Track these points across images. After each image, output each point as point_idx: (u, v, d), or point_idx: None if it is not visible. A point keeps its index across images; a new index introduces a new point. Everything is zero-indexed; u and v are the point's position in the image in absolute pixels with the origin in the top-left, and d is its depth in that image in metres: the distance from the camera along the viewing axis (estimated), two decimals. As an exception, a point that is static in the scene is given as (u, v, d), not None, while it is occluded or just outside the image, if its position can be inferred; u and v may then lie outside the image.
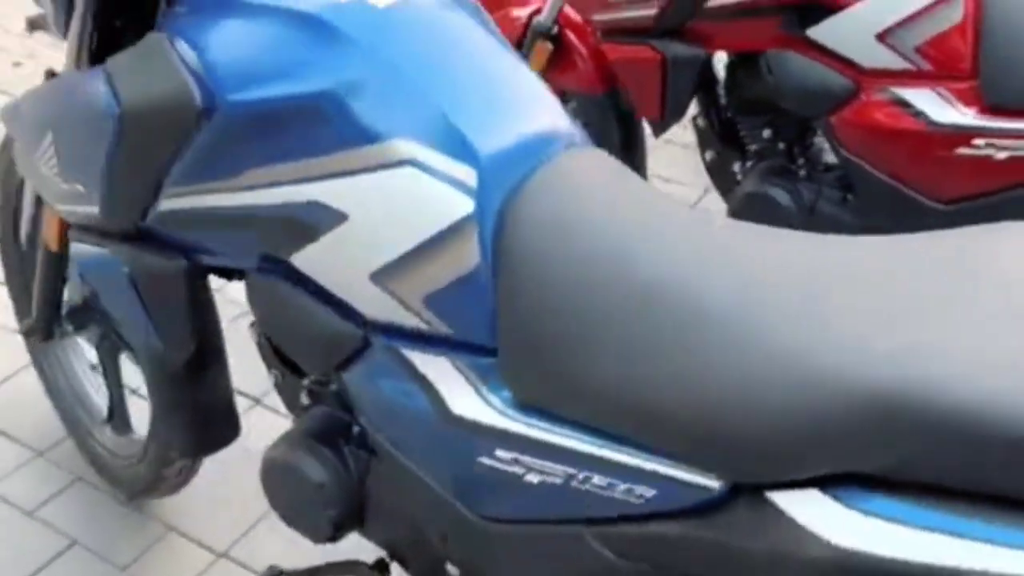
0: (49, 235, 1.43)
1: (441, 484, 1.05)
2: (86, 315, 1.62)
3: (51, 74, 1.29)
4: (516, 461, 0.96)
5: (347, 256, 1.00)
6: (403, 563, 1.25)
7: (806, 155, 1.79)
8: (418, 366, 1.01)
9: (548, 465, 0.94)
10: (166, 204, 1.09)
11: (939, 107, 1.56)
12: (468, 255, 0.95)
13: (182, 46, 1.03)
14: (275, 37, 1.00)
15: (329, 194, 0.98)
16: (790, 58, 1.66)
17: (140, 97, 1.01)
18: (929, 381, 0.71)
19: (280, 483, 1.23)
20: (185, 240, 1.14)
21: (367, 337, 1.05)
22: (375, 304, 1.01)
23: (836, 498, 0.76)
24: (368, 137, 0.95)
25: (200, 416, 1.43)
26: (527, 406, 0.95)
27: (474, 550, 1.09)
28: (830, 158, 1.77)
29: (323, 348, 1.08)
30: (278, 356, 1.30)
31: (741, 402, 0.81)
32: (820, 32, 1.59)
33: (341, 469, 1.18)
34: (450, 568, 1.16)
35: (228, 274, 1.24)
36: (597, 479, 0.91)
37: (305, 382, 1.25)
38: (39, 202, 1.53)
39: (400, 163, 0.95)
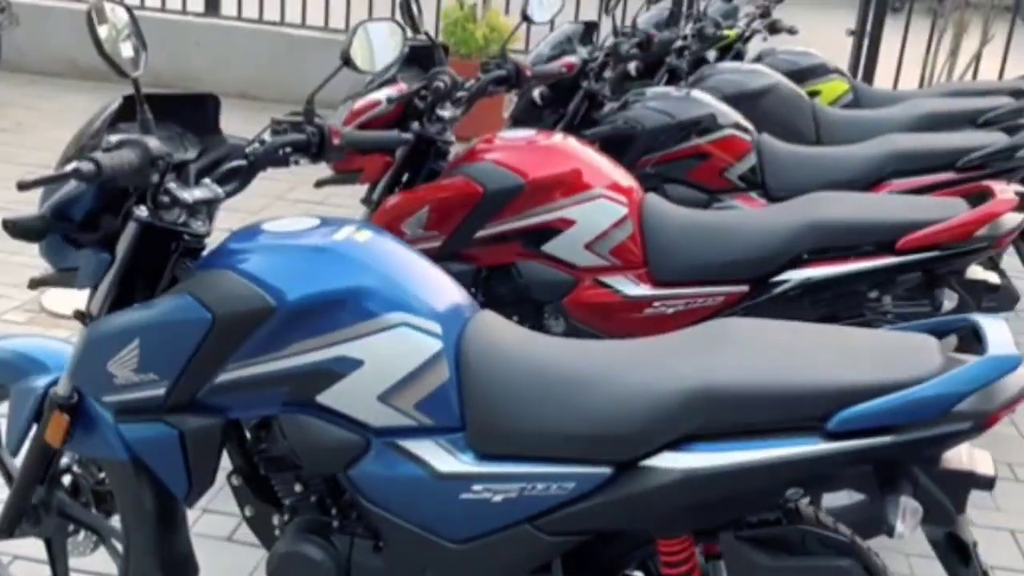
0: (55, 436, 1.88)
1: (425, 527, 1.68)
2: (45, 514, 2.03)
3: (80, 313, 1.82)
4: (486, 489, 1.63)
5: (362, 388, 1.66)
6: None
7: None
8: (411, 450, 1.66)
9: (506, 486, 1.62)
10: (222, 378, 1.68)
11: (632, 287, 2.50)
12: (441, 373, 1.65)
13: (232, 274, 1.67)
14: (305, 258, 1.68)
15: (352, 350, 1.64)
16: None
17: (227, 306, 1.63)
18: (712, 381, 1.52)
19: (286, 568, 1.78)
20: (223, 403, 1.72)
21: (369, 440, 1.69)
22: (380, 416, 1.67)
23: (677, 450, 1.53)
24: (376, 312, 1.65)
25: (176, 557, 1.93)
26: (488, 456, 1.64)
27: (449, 572, 1.72)
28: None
29: (336, 455, 1.70)
30: (254, 494, 1.88)
31: (615, 417, 1.56)
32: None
33: (332, 549, 1.78)
34: (422, 600, 1.76)
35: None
36: (539, 486, 1.61)
37: (275, 519, 1.84)
38: (39, 414, 1.95)
39: (396, 326, 1.65)
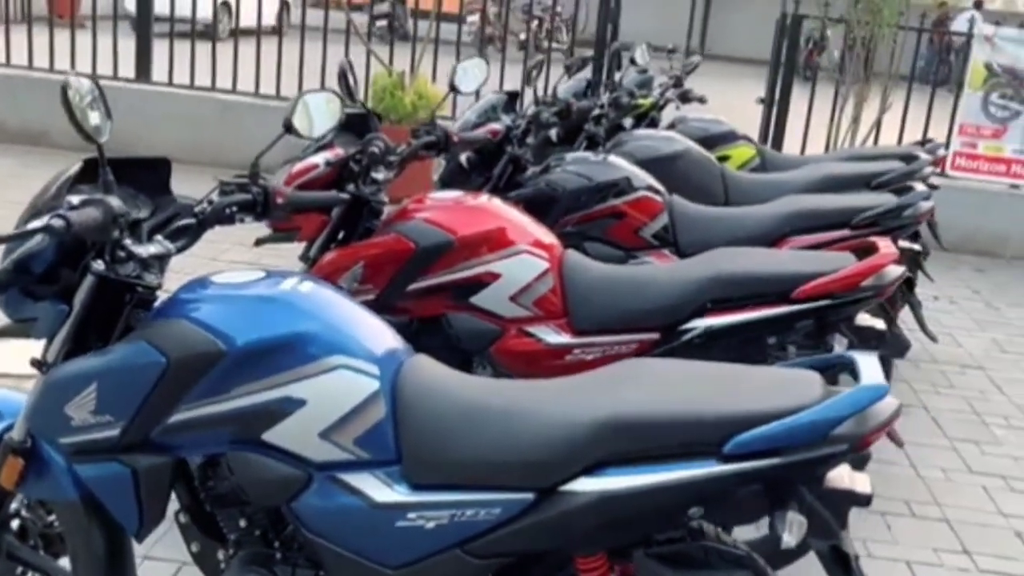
0: (8, 479, 1.98)
1: (363, 555, 1.82)
2: None
3: (36, 362, 1.94)
4: (420, 517, 1.78)
5: (305, 426, 1.80)
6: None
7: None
8: (350, 482, 1.81)
9: (438, 513, 1.77)
10: (175, 419, 1.81)
11: (554, 335, 2.69)
12: (378, 410, 1.81)
13: (184, 322, 1.82)
14: (252, 307, 1.83)
15: (296, 390, 1.79)
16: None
17: (180, 351, 1.77)
18: (621, 412, 1.70)
19: (232, 600, 1.91)
20: (175, 442, 1.85)
21: (311, 475, 1.83)
22: (321, 452, 1.81)
23: (592, 475, 1.69)
24: (318, 356, 1.80)
25: None
26: (421, 486, 1.79)
27: (386, 597, 1.86)
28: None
29: (280, 489, 1.83)
30: (201, 531, 2.00)
31: (535, 447, 1.73)
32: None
33: None
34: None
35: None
36: (467, 512, 1.77)
37: (221, 554, 1.97)
38: None
39: (336, 368, 1.81)
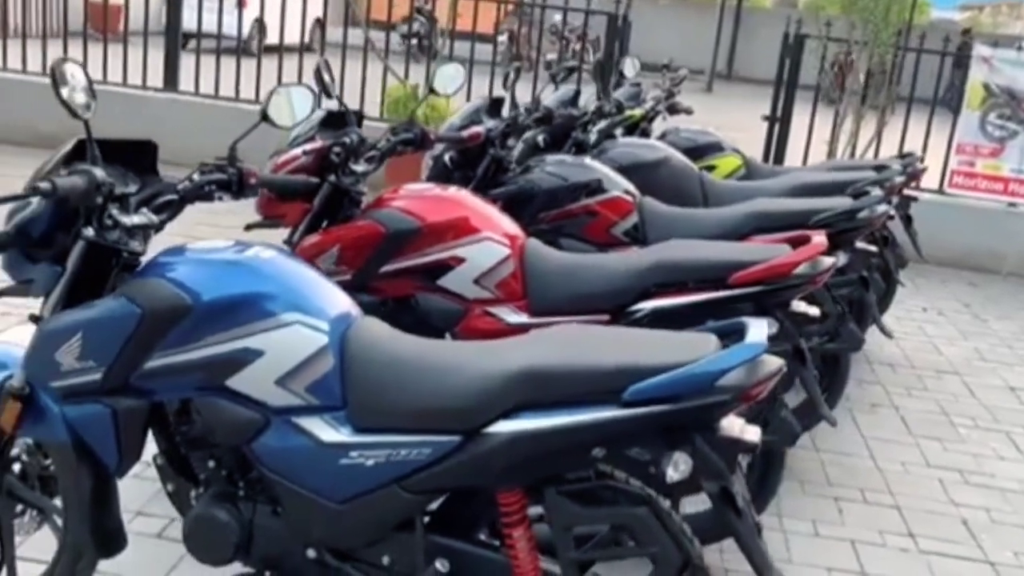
0: (8, 421, 2.24)
1: (313, 490, 2.07)
2: None
3: (33, 317, 2.21)
4: (361, 455, 2.02)
5: (263, 374, 2.05)
6: (273, 567, 2.20)
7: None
8: (302, 425, 2.05)
9: (377, 452, 2.01)
10: (149, 365, 2.07)
11: (514, 316, 2.93)
12: (327, 362, 2.05)
13: (159, 280, 2.08)
14: (218, 269, 2.09)
15: (255, 342, 2.04)
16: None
17: (153, 303, 2.03)
18: (534, 363, 1.93)
19: (199, 529, 2.16)
20: (150, 386, 2.10)
21: (268, 418, 2.08)
22: (277, 397, 2.06)
23: (509, 418, 1.93)
24: (275, 312, 2.05)
25: (108, 528, 2.29)
26: (363, 429, 2.03)
27: (331, 528, 2.10)
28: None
29: (242, 430, 2.08)
30: (175, 472, 2.25)
31: (461, 395, 1.96)
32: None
33: (237, 513, 2.15)
34: (308, 552, 2.14)
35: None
36: (402, 452, 2.00)
37: (193, 493, 2.22)
38: None
39: (291, 324, 2.06)
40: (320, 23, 14.69)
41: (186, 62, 8.21)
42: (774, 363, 1.91)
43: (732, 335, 2.05)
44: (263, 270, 2.13)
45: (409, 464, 1.99)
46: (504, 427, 1.92)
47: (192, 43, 8.31)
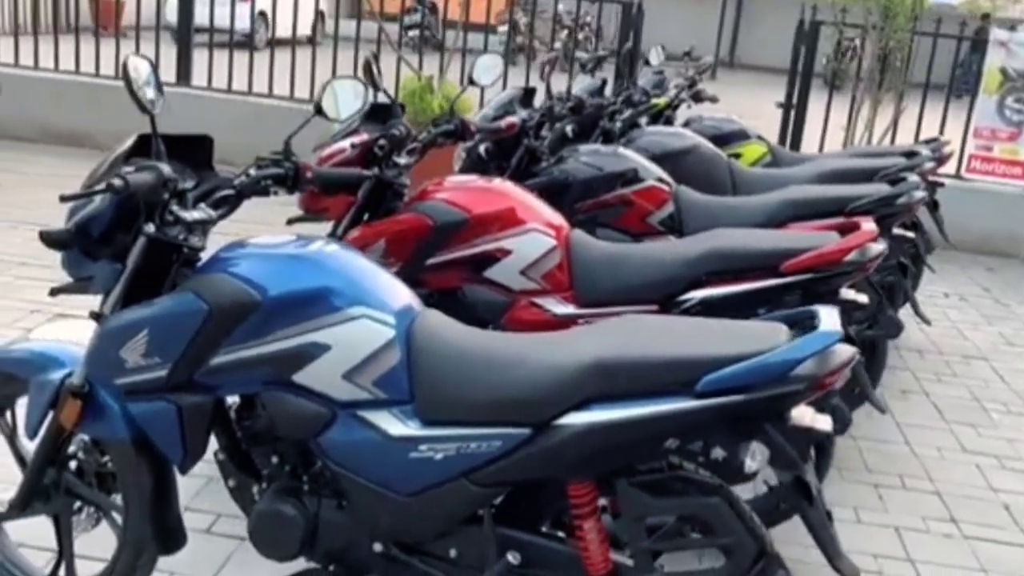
0: (69, 418, 2.24)
1: (380, 483, 2.06)
2: (55, 492, 2.38)
3: (94, 314, 2.20)
4: (430, 448, 2.01)
5: (330, 368, 2.04)
6: (338, 561, 2.19)
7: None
8: (369, 418, 2.05)
9: (446, 445, 2.00)
10: (216, 361, 2.06)
11: (560, 307, 2.92)
12: (394, 355, 2.05)
13: (224, 275, 2.07)
14: (283, 263, 2.08)
15: (322, 337, 2.03)
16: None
17: (220, 299, 2.02)
18: (605, 355, 1.93)
19: (265, 525, 2.15)
20: (216, 382, 2.10)
21: (335, 412, 2.07)
22: (344, 391, 2.05)
23: (580, 410, 1.92)
24: (341, 307, 2.04)
25: (169, 525, 2.29)
26: (431, 422, 2.03)
27: (399, 521, 2.09)
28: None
29: (308, 424, 2.08)
30: (237, 467, 2.25)
31: (531, 387, 1.96)
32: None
33: (302, 508, 2.15)
34: (375, 546, 2.13)
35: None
36: (472, 445, 2.00)
37: (255, 488, 2.21)
38: (54, 403, 2.30)
39: (358, 318, 2.05)
40: (320, 15, 14.67)
41: (199, 58, 8.19)
42: (847, 352, 1.90)
43: (798, 323, 2.05)
44: (328, 264, 2.12)
45: (478, 457, 1.99)
46: (576, 419, 1.92)
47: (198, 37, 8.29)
